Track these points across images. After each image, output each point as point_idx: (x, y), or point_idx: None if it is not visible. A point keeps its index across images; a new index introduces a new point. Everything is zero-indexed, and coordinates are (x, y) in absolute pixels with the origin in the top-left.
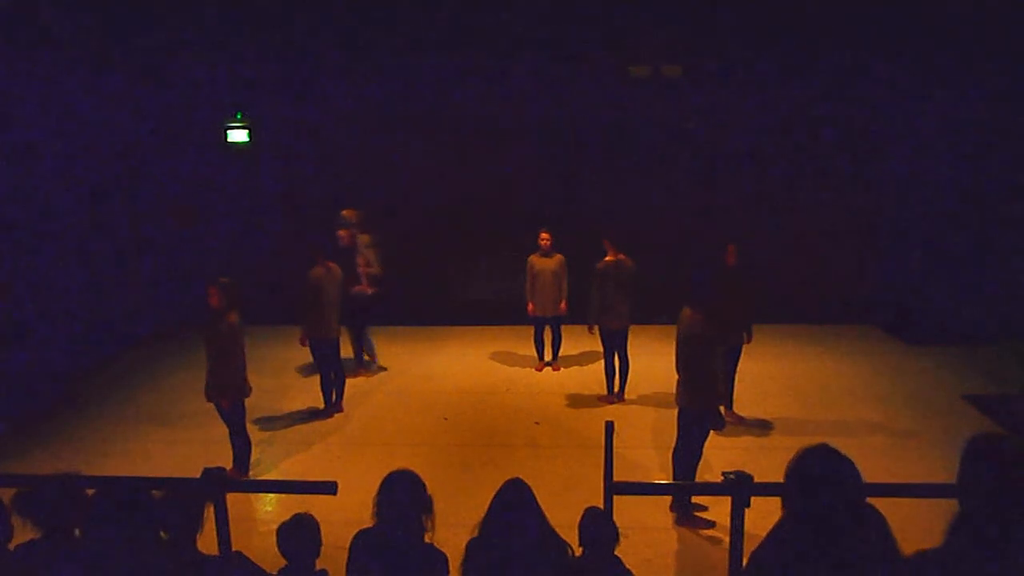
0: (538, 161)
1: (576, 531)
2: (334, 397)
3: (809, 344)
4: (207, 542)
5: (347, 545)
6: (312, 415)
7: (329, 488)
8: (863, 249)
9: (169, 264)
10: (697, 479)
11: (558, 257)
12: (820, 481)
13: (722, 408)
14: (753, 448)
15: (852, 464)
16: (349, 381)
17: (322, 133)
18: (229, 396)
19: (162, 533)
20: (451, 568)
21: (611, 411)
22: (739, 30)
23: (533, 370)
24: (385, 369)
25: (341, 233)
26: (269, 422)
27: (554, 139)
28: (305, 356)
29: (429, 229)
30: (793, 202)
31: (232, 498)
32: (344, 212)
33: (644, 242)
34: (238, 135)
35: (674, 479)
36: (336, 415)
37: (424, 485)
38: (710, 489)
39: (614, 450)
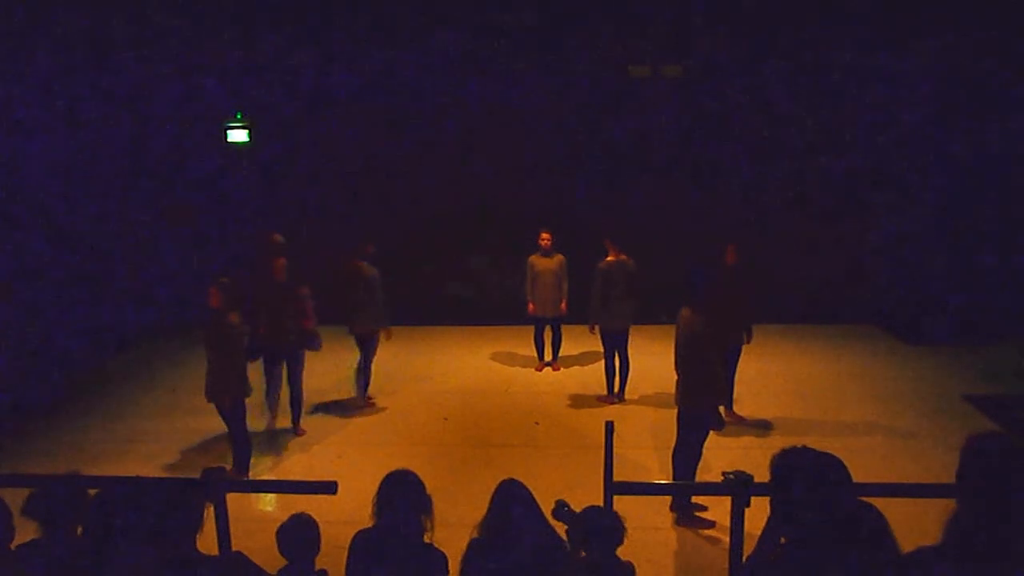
0: (538, 161)
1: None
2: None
3: (809, 344)
4: (207, 542)
5: (347, 545)
6: (311, 415)
7: (329, 488)
8: (863, 249)
9: (169, 264)
10: (697, 479)
11: (558, 257)
12: (796, 482)
13: (722, 408)
14: (753, 448)
15: (831, 459)
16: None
17: (320, 133)
18: (229, 396)
19: (162, 533)
20: (451, 568)
21: (611, 411)
22: (739, 30)
23: (533, 370)
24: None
25: (279, 263)
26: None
27: (554, 139)
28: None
29: (429, 229)
30: (793, 201)
31: (232, 498)
32: (274, 237)
33: (644, 242)
34: (238, 135)
35: (674, 479)
36: (323, 417)
37: (424, 485)
38: (710, 489)
39: (614, 450)
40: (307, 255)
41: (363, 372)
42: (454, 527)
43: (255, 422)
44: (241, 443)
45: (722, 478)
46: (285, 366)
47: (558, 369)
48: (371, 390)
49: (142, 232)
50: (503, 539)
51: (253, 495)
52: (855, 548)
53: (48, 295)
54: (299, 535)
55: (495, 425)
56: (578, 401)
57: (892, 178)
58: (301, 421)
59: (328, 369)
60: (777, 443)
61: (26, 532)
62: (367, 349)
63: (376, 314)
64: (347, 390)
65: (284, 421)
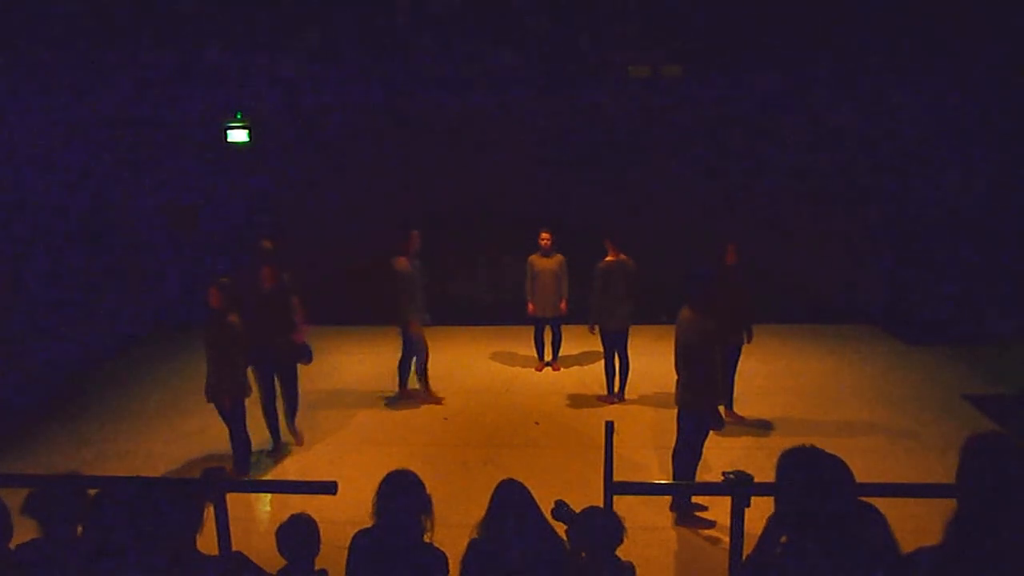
0: (538, 161)
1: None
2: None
3: (809, 344)
4: (207, 542)
5: (347, 545)
6: (312, 414)
7: (329, 488)
8: (863, 249)
9: (169, 264)
10: (697, 479)
11: (558, 257)
12: (804, 481)
13: (722, 408)
14: (753, 448)
15: (837, 461)
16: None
17: (322, 133)
18: (229, 396)
19: (162, 533)
20: (451, 568)
21: (611, 411)
22: (739, 30)
23: (533, 370)
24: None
25: (265, 271)
26: None
27: (554, 139)
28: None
29: (429, 229)
30: (793, 201)
31: (232, 498)
32: (264, 243)
33: (644, 242)
34: (238, 135)
35: (674, 479)
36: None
37: (424, 485)
38: (710, 489)
39: (614, 450)
40: (316, 256)
41: (400, 365)
42: (454, 527)
43: (257, 430)
44: (241, 443)
45: (722, 478)
46: (278, 377)
47: (558, 369)
48: (373, 390)
49: (142, 232)
50: (503, 539)
51: (253, 495)
52: (855, 548)
53: (48, 295)
54: (299, 535)
55: (495, 425)
56: (578, 401)
57: (893, 177)
58: (299, 428)
59: (332, 370)
60: (777, 443)
61: (26, 532)
62: (404, 344)
63: (400, 310)
64: (354, 389)
65: (302, 402)
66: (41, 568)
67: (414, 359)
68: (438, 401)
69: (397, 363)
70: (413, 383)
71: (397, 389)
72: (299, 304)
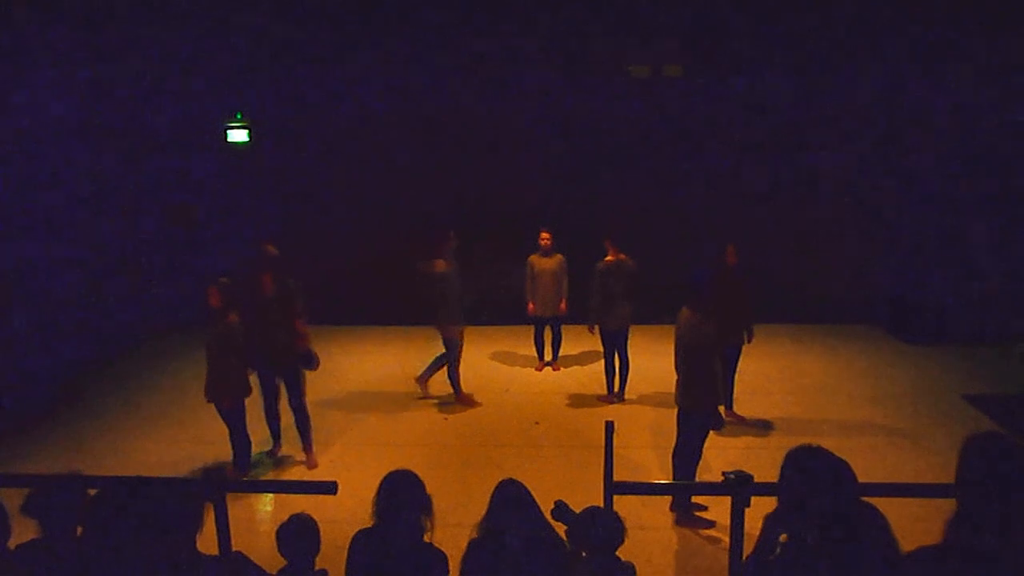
0: (538, 161)
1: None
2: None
3: (809, 344)
4: (207, 542)
5: (347, 545)
6: (310, 413)
7: (329, 488)
8: (863, 249)
9: (169, 264)
10: (697, 479)
11: (558, 257)
12: (807, 480)
13: (722, 408)
14: (753, 448)
15: (842, 462)
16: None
17: (323, 132)
18: (229, 396)
19: (162, 533)
20: (451, 568)
21: (611, 411)
22: (740, 29)
23: (533, 370)
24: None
25: (267, 278)
26: None
27: (554, 139)
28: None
29: (427, 229)
30: (793, 201)
31: (232, 498)
32: (267, 248)
33: (644, 242)
34: (238, 135)
35: (674, 479)
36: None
37: (424, 485)
38: (710, 489)
39: (614, 450)
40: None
41: (429, 365)
42: (454, 527)
43: (257, 429)
44: (241, 443)
45: (722, 478)
46: (283, 383)
47: (558, 369)
48: (374, 390)
49: (143, 232)
50: (502, 539)
51: (253, 495)
52: (856, 548)
53: (48, 295)
54: (299, 535)
55: (495, 425)
56: (578, 401)
57: (893, 177)
58: (313, 450)
59: (333, 369)
60: (777, 443)
61: (26, 532)
62: (445, 346)
63: (438, 313)
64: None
65: (288, 446)
66: (41, 568)
67: (447, 361)
68: (473, 404)
69: (433, 358)
70: (429, 389)
71: (420, 374)
72: (301, 311)
